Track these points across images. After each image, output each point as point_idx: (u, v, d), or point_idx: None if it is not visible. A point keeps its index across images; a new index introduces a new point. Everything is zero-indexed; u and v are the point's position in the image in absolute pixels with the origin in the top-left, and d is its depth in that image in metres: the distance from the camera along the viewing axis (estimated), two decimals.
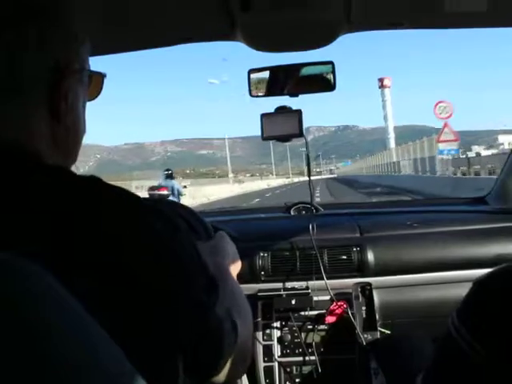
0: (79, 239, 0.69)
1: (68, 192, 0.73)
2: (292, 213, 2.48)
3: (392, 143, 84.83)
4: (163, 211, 0.81)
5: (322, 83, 1.74)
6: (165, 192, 13.53)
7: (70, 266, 0.67)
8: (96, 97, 0.99)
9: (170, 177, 14.31)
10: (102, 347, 0.55)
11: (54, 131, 0.82)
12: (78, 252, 0.68)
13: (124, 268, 0.70)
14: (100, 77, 0.97)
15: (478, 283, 0.94)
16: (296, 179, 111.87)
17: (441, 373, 1.02)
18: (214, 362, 0.85)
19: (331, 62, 1.72)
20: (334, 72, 1.71)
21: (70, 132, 0.86)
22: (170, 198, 13.05)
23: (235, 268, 1.27)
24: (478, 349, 0.87)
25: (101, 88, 0.98)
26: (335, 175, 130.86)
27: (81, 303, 0.55)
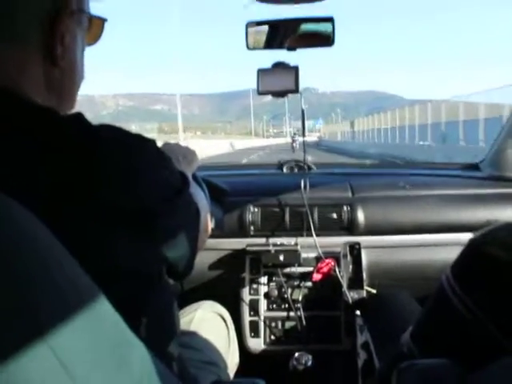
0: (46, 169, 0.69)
1: (50, 129, 0.72)
2: (285, 170, 2.48)
3: None
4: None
5: (321, 38, 1.71)
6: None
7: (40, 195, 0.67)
8: (96, 42, 0.96)
9: (296, 134, 31.99)
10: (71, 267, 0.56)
11: (49, 75, 0.80)
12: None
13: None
14: (100, 21, 0.94)
15: (473, 241, 0.95)
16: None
17: (431, 326, 1.04)
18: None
19: (331, 18, 1.69)
20: (333, 28, 1.68)
21: (66, 75, 0.84)
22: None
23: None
24: (470, 305, 0.89)
25: (101, 33, 0.96)
26: (316, 138, 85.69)
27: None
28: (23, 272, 0.47)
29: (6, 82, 0.75)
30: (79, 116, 0.77)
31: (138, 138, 0.80)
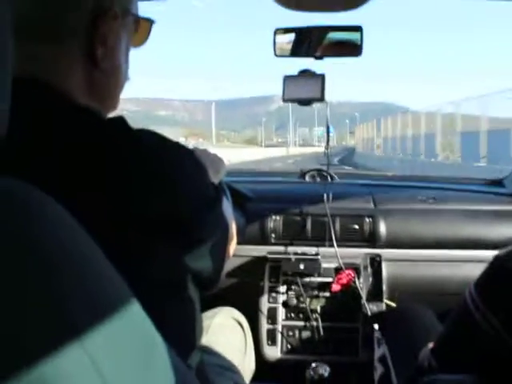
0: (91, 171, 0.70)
1: (87, 128, 0.73)
2: (307, 179, 2.47)
3: None
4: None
5: (349, 48, 1.71)
6: None
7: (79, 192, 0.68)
8: (142, 43, 0.96)
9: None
10: (107, 272, 0.55)
11: (90, 75, 0.81)
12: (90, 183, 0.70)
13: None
14: (147, 23, 0.94)
15: (498, 258, 0.94)
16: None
17: (452, 341, 1.03)
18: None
19: (360, 27, 1.68)
20: (361, 37, 1.67)
21: (108, 77, 0.85)
22: None
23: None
24: (493, 321, 0.87)
25: (148, 34, 0.96)
26: (327, 149, 69.29)
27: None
28: (52, 267, 0.47)
29: (46, 79, 0.75)
30: (121, 119, 0.77)
31: (178, 147, 0.80)
